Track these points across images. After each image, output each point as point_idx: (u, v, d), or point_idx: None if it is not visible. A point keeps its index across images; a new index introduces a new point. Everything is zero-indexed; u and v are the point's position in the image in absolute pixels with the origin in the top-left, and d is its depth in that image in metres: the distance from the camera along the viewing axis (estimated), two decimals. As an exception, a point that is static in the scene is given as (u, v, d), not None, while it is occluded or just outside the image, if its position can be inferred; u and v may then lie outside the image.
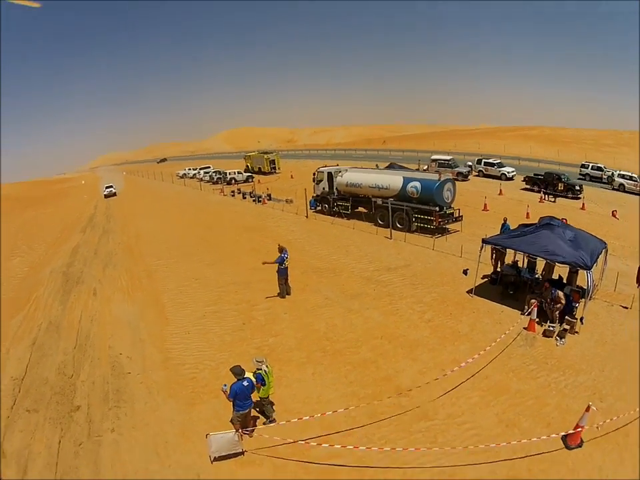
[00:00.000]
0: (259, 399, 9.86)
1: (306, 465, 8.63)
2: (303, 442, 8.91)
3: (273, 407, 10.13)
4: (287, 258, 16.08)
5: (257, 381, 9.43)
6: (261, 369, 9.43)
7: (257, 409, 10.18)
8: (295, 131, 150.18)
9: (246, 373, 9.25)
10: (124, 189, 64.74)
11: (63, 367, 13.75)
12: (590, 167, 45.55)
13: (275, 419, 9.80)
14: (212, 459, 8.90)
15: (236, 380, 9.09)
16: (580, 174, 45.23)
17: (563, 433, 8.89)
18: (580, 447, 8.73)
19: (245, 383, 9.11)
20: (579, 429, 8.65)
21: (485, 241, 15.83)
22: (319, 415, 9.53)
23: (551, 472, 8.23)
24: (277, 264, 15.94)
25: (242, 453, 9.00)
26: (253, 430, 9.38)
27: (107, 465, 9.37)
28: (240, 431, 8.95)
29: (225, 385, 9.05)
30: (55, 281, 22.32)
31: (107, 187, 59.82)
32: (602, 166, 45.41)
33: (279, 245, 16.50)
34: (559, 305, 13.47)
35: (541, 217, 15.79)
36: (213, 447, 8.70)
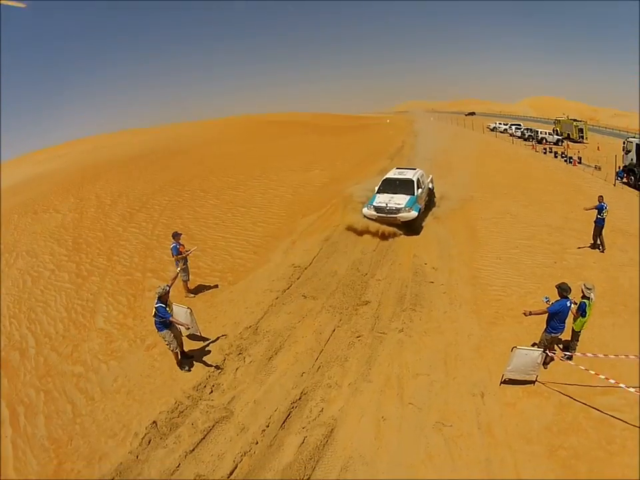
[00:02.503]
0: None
1: (589, 410, 8.20)
2: (592, 386, 8.64)
3: (577, 343, 9.69)
4: (606, 209, 15.46)
5: (577, 310, 9.15)
6: (588, 297, 9.05)
7: (560, 345, 9.96)
8: (597, 109, 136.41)
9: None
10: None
11: (358, 264, 14.80)
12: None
13: (572, 355, 9.43)
14: (502, 380, 8.87)
15: (560, 297, 8.85)
16: None
17: None
18: None
19: (568, 304, 8.86)
20: None
21: None
22: (612, 357, 8.98)
23: None
24: (597, 210, 15.47)
25: (533, 382, 8.83)
26: (552, 359, 9.23)
27: (382, 360, 9.72)
28: (547, 352, 8.74)
29: (547, 298, 8.93)
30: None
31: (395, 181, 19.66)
32: None
33: (599, 196, 15.87)
34: None
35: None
36: (512, 364, 8.52)
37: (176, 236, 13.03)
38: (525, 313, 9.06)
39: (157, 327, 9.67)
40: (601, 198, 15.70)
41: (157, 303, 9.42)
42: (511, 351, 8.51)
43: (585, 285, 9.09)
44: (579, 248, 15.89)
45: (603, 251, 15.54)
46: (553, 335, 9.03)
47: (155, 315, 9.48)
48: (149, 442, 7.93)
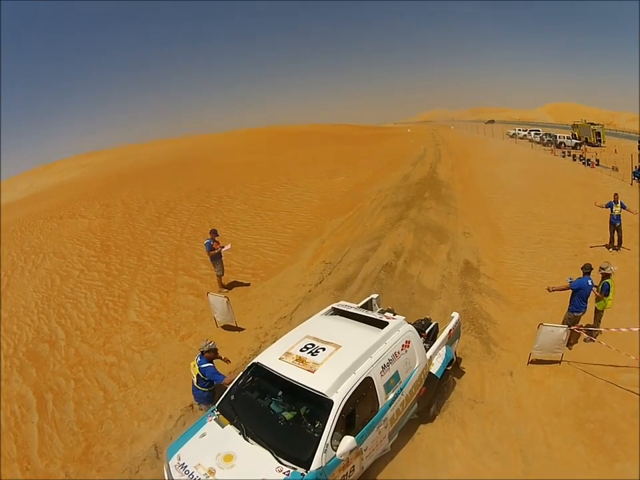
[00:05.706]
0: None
1: (613, 386, 8.54)
2: (614, 366, 8.99)
3: (599, 324, 10.00)
4: (615, 205, 15.67)
5: (601, 291, 9.52)
6: (609, 275, 9.48)
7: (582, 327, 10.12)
8: (614, 114, 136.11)
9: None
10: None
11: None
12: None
13: (594, 338, 9.69)
14: (529, 360, 9.35)
15: (582, 275, 9.42)
16: None
17: None
18: None
19: (590, 282, 9.32)
20: None
21: None
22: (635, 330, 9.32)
23: None
24: (609, 208, 15.69)
25: (559, 362, 9.28)
26: (577, 339, 9.78)
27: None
28: (572, 327, 9.14)
29: (570, 279, 9.46)
30: (384, 197, 24.59)
31: None
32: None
33: (614, 194, 16.16)
34: None
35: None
36: (539, 341, 8.94)
37: (213, 232, 13.22)
38: (548, 289, 9.67)
39: (196, 398, 7.69)
40: (615, 196, 15.85)
41: (200, 362, 7.32)
42: (538, 328, 8.95)
43: (600, 266, 9.52)
44: (596, 241, 16.43)
45: (617, 249, 15.72)
46: (575, 314, 9.50)
47: (199, 380, 7.37)
48: (184, 424, 7.82)
